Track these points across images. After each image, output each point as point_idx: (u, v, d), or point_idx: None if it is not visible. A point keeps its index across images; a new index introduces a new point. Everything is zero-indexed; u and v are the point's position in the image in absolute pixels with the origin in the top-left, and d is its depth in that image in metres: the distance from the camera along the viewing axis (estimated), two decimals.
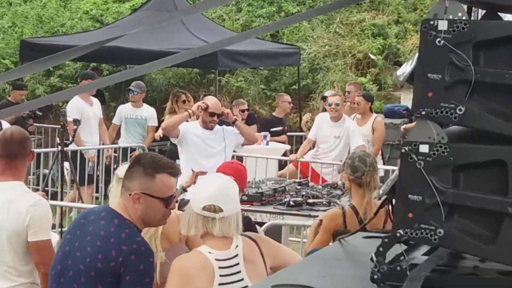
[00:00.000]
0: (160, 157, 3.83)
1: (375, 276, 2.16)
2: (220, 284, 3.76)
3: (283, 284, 2.12)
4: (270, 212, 7.28)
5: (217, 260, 3.81)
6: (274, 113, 13.10)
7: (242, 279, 3.80)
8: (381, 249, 2.19)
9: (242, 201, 5.44)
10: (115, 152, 11.74)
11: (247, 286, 3.76)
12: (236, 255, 3.85)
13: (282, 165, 11.10)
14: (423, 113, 2.19)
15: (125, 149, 11.53)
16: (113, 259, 3.50)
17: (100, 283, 3.52)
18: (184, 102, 11.41)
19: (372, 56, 16.11)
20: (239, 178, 5.41)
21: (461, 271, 2.25)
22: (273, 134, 12.15)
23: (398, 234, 2.19)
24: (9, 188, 4.66)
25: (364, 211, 5.50)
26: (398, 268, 2.16)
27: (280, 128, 12.37)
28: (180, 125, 7.88)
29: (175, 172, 3.78)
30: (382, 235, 2.39)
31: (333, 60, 16.21)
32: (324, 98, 11.27)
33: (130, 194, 3.63)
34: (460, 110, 2.16)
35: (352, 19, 16.81)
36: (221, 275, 3.79)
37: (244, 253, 3.87)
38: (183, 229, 3.92)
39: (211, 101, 8.05)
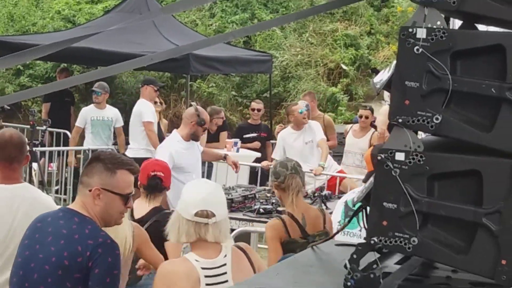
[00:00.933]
0: (119, 155, 3.82)
1: (349, 283, 2.16)
2: None
3: None
4: (239, 219, 7.25)
5: (203, 268, 3.78)
6: (249, 120, 13.09)
7: None
8: (354, 256, 2.18)
9: None
10: (79, 154, 11.63)
11: None
12: (224, 264, 3.83)
13: (252, 172, 11.06)
14: (400, 120, 2.19)
15: (94, 152, 11.42)
16: (80, 254, 3.48)
17: (68, 281, 3.50)
18: (155, 103, 11.42)
19: (344, 67, 16.16)
20: (167, 174, 5.66)
21: (434, 281, 2.24)
22: (246, 141, 12.14)
23: (372, 242, 2.18)
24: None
25: (302, 215, 5.55)
26: (372, 275, 2.16)
27: (254, 134, 12.35)
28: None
29: (134, 169, 3.77)
30: (354, 243, 2.38)
31: (305, 69, 16.25)
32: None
33: (90, 190, 3.61)
34: (436, 119, 2.16)
35: (325, 29, 16.87)
36: (207, 284, 3.76)
37: (233, 263, 3.84)
38: (173, 238, 3.88)
39: (205, 116, 7.93)
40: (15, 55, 2.56)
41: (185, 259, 3.82)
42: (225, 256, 3.84)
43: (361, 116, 11.11)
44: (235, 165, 8.33)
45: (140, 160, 5.55)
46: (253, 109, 12.49)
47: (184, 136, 7.72)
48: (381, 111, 11.81)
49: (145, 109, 10.66)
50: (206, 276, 3.76)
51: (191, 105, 8.17)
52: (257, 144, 12.22)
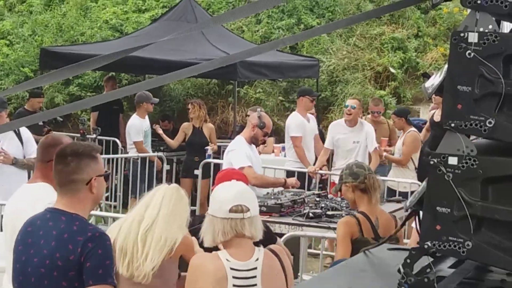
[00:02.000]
0: (82, 142, 3.92)
1: None
2: None
3: None
4: (289, 224, 7.26)
5: (232, 269, 3.79)
6: None
7: None
8: (408, 260, 2.19)
9: (261, 212, 5.44)
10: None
11: None
12: (255, 268, 3.84)
13: (300, 176, 11.05)
14: (452, 125, 2.19)
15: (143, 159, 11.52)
16: (72, 252, 3.55)
17: (63, 280, 3.57)
18: (188, 109, 11.72)
19: (392, 70, 16.08)
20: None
21: (488, 284, 2.24)
22: None
23: (425, 246, 2.18)
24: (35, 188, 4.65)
25: (375, 217, 5.51)
26: (426, 280, 2.16)
27: None
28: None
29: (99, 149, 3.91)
30: (407, 247, 2.38)
31: (352, 73, 16.20)
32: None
33: (87, 184, 3.66)
34: (489, 123, 2.16)
35: (371, 33, 16.80)
36: (234, 285, 3.78)
37: (264, 267, 3.85)
38: (208, 242, 3.90)
39: (267, 119, 8.06)
40: (70, 67, 2.60)
41: (217, 256, 3.84)
42: (257, 259, 3.85)
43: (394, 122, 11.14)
44: (295, 185, 8.29)
45: None
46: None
47: (247, 139, 7.85)
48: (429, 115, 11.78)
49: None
50: (234, 277, 3.77)
51: (257, 109, 8.35)
52: None
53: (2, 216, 7.31)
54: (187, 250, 4.55)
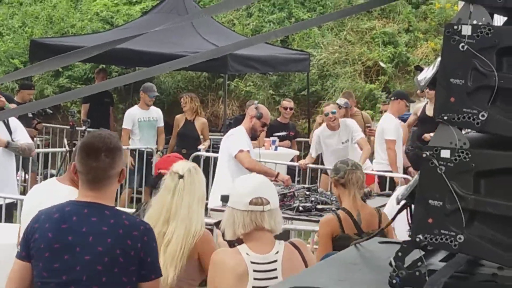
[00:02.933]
0: (99, 131, 3.79)
1: (394, 281, 2.15)
2: (253, 287, 3.76)
3: (301, 286, 2.11)
4: None
5: (252, 263, 3.80)
6: (278, 118, 13.10)
7: None
8: (400, 254, 2.18)
9: None
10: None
11: None
12: (275, 261, 3.84)
13: (290, 170, 11.06)
14: (445, 118, 2.18)
15: (141, 152, 11.46)
16: (132, 248, 3.49)
17: (124, 276, 3.50)
18: (180, 103, 11.74)
19: (382, 64, 16.08)
20: None
21: (480, 278, 2.23)
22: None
23: (417, 239, 2.18)
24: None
25: (357, 212, 5.54)
26: (417, 273, 2.15)
27: (284, 133, 12.34)
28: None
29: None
30: (398, 240, 2.38)
31: (343, 67, 16.20)
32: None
33: (119, 176, 3.61)
34: (482, 116, 2.15)
35: (362, 27, 16.80)
36: (255, 278, 3.79)
37: (284, 260, 3.86)
38: (229, 235, 3.91)
39: (264, 110, 8.17)
40: (59, 57, 2.58)
41: (237, 251, 3.85)
42: (277, 252, 3.86)
43: (381, 112, 11.16)
44: (286, 182, 8.26)
45: None
46: (285, 108, 12.53)
47: (247, 130, 7.95)
48: (415, 110, 11.77)
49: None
50: (254, 271, 3.79)
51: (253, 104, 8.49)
52: (287, 143, 12.25)
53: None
54: (203, 248, 4.47)
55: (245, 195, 3.86)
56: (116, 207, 3.69)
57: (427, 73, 2.41)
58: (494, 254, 2.12)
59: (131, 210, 5.94)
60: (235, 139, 7.95)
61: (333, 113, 10.27)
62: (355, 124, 10.42)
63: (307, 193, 7.94)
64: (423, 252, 2.24)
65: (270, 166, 10.22)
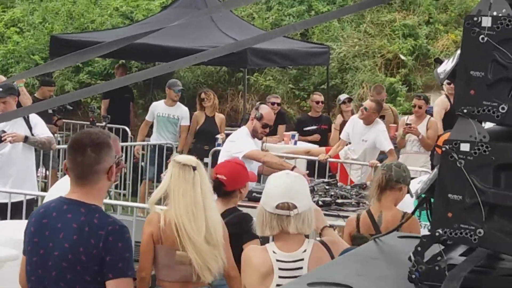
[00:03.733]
0: (93, 130, 3.80)
1: (413, 276, 2.13)
2: (278, 285, 3.77)
3: (319, 282, 2.09)
4: None
5: (278, 261, 3.82)
6: (309, 113, 13.13)
7: None
8: (419, 248, 2.16)
9: None
10: (143, 149, 11.78)
11: None
12: (302, 259, 3.85)
13: (310, 165, 11.03)
14: (465, 111, 2.15)
15: (154, 147, 11.52)
16: (94, 247, 3.51)
17: (87, 275, 3.54)
18: (202, 100, 11.62)
19: (402, 57, 16.01)
20: (234, 176, 5.34)
21: (501, 272, 2.20)
22: (306, 133, 12.17)
23: (437, 234, 2.15)
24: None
25: (379, 213, 5.56)
26: (437, 268, 2.12)
27: (314, 127, 12.37)
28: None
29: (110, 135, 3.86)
30: (418, 235, 2.35)
31: (363, 60, 16.14)
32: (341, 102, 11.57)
33: (107, 173, 3.61)
34: (502, 108, 2.12)
35: (382, 19, 16.72)
36: (280, 277, 3.80)
37: (311, 258, 3.86)
38: (258, 230, 3.93)
39: (265, 110, 7.93)
40: (77, 53, 2.58)
41: (264, 249, 3.89)
42: (305, 251, 3.86)
43: (414, 106, 11.10)
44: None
45: None
46: (317, 102, 12.52)
47: (250, 131, 7.84)
48: (437, 102, 11.74)
49: None
50: (280, 269, 3.80)
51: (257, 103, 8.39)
52: (317, 136, 12.21)
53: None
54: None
55: (273, 198, 3.86)
56: (97, 206, 3.67)
57: (447, 65, 2.38)
58: None
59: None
60: (235, 146, 7.69)
61: (365, 109, 10.29)
62: (385, 131, 10.36)
63: (327, 187, 7.91)
64: (442, 247, 2.21)
65: (289, 161, 10.22)
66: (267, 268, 3.83)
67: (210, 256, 4.48)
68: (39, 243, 3.64)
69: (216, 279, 4.64)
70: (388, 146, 10.10)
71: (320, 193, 7.69)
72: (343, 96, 12.50)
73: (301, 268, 3.82)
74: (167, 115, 11.72)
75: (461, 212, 2.13)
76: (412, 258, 2.15)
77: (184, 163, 4.59)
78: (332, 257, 3.90)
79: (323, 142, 12.06)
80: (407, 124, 10.66)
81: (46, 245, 3.61)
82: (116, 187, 11.66)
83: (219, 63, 13.87)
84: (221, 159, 7.72)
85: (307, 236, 4.04)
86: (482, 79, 2.13)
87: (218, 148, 11.15)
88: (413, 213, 2.58)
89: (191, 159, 4.67)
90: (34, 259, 3.65)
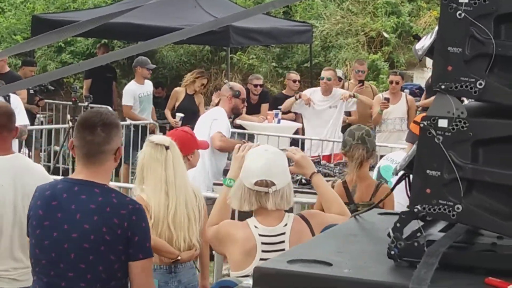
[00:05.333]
0: (102, 110, 3.77)
1: (392, 252, 2.14)
2: (261, 259, 3.79)
3: (299, 259, 2.10)
4: None
5: (260, 235, 3.85)
6: (283, 91, 13.08)
7: None
8: (398, 224, 2.16)
9: None
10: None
11: None
12: (283, 233, 3.88)
13: (293, 143, 11.04)
14: (443, 87, 2.15)
15: (136, 126, 11.43)
16: (118, 227, 3.48)
17: (112, 254, 3.50)
18: (204, 86, 11.60)
19: (385, 34, 16.01)
20: (181, 144, 5.22)
21: (479, 248, 2.21)
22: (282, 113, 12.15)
23: (415, 210, 2.16)
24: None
25: (354, 184, 5.66)
26: (416, 244, 2.13)
27: None
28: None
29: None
30: (397, 211, 2.36)
31: (346, 38, 16.13)
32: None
33: (114, 153, 3.59)
34: (480, 84, 2.12)
35: None
36: (263, 251, 3.84)
37: (292, 232, 3.90)
38: (235, 204, 3.94)
39: (239, 86, 8.25)
40: (56, 32, 2.56)
41: (246, 224, 3.90)
42: (285, 225, 3.90)
43: (391, 82, 11.15)
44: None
45: None
46: (294, 81, 12.49)
47: (227, 111, 7.89)
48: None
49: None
50: (263, 243, 3.84)
51: (225, 83, 8.43)
52: (292, 115, 12.21)
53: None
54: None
55: (252, 174, 3.87)
56: (110, 185, 3.68)
57: (425, 41, 2.38)
58: (493, 223, 2.11)
59: (131, 186, 5.96)
60: (218, 124, 7.86)
61: (329, 79, 10.38)
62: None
63: None
64: (421, 223, 2.23)
65: (273, 139, 10.24)
66: (251, 243, 3.86)
67: (182, 233, 4.59)
68: (51, 226, 3.54)
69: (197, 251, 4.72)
70: (353, 107, 10.69)
71: None
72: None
73: (283, 242, 3.86)
74: (145, 93, 11.68)
75: (440, 188, 2.13)
76: (391, 234, 2.16)
77: (157, 142, 4.64)
78: (311, 230, 3.93)
79: (297, 120, 12.08)
80: (385, 99, 10.72)
81: (60, 228, 3.52)
82: None
83: (202, 42, 13.83)
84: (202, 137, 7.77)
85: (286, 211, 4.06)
86: (460, 55, 2.13)
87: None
88: (392, 189, 2.59)
89: (165, 139, 4.74)
90: (46, 243, 3.55)
